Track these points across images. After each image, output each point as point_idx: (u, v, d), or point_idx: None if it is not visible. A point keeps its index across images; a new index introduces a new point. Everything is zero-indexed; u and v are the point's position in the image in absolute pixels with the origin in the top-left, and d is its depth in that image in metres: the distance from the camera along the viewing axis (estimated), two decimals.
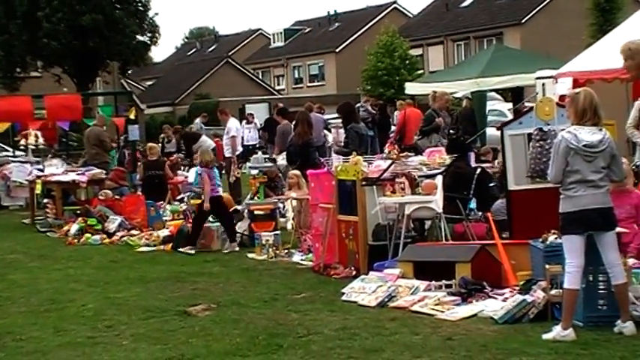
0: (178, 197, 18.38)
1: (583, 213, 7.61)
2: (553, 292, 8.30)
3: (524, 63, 25.43)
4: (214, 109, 28.77)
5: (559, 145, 7.67)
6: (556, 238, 8.85)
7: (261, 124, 34.17)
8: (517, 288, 8.97)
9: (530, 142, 10.86)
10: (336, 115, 25.04)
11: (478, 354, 7.24)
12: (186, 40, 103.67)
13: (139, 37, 49.60)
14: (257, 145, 31.00)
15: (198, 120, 28.67)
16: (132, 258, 13.79)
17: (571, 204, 7.64)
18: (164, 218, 16.30)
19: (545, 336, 7.60)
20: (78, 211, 17.13)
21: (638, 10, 23.24)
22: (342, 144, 17.61)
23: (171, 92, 66.65)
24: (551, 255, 8.67)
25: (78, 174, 18.56)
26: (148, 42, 50.87)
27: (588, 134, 7.57)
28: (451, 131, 18.71)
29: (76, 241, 15.63)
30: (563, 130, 9.40)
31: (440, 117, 18.47)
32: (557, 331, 7.57)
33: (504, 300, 8.74)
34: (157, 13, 48.95)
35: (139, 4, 48.79)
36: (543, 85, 20.40)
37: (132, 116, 23.09)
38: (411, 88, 29.52)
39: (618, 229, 8.40)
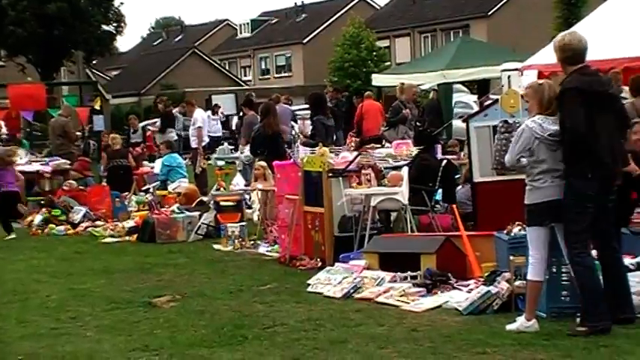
0: (144, 188, 18.30)
1: (550, 204, 7.65)
2: (517, 283, 8.34)
3: (490, 55, 25.55)
4: (181, 100, 28.66)
5: (521, 133, 7.69)
6: (520, 230, 8.91)
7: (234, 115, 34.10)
8: (481, 279, 9.01)
9: (496, 134, 10.92)
10: (303, 106, 25.05)
11: (442, 345, 7.27)
12: (152, 30, 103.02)
13: (104, 27, 49.22)
14: (222, 137, 30.92)
15: (176, 110, 28.50)
16: (96, 249, 13.73)
17: (538, 195, 7.66)
18: (129, 209, 16.23)
19: (508, 327, 7.64)
20: (42, 202, 17.01)
21: (602, 4, 23.37)
22: (309, 135, 17.65)
23: (137, 82, 66.25)
24: (515, 246, 8.73)
25: (42, 164, 18.44)
26: (114, 31, 50.49)
27: (552, 124, 7.62)
28: (417, 123, 18.80)
29: (39, 231, 15.53)
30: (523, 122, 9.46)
31: (407, 109, 18.53)
32: (520, 322, 7.62)
33: (469, 291, 8.77)
34: (122, 3, 48.33)
35: None
36: (509, 77, 20.50)
37: (97, 106, 22.99)
38: (378, 79, 29.59)
39: None
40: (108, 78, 71.81)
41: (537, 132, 7.60)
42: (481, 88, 24.59)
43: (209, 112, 31.83)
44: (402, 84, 20.04)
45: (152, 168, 19.55)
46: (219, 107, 36.43)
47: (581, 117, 7.42)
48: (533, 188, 7.72)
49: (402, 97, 19.00)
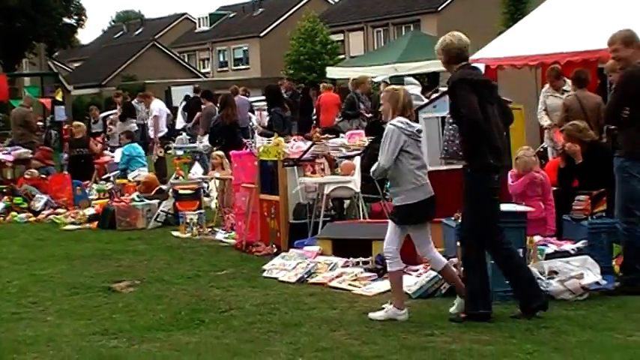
0: (104, 177, 18.17)
1: (431, 199, 7.66)
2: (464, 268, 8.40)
3: None
4: (141, 91, 28.45)
5: (391, 134, 7.53)
6: None
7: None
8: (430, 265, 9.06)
9: (444, 125, 10.96)
10: (260, 98, 24.98)
11: (392, 327, 7.30)
12: (112, 23, 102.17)
13: (66, 19, 48.78)
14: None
15: (135, 101, 28.35)
16: (57, 236, 13.60)
17: (419, 193, 7.58)
18: (90, 197, 16.12)
19: (373, 315, 7.59)
20: (4, 190, 16.83)
21: (546, 1, 23.52)
22: (266, 126, 17.63)
23: (98, 74, 65.77)
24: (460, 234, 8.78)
25: (4, 153, 18.25)
26: (75, 24, 50.09)
27: (413, 124, 7.63)
28: (369, 114, 18.82)
29: (1, 219, 15.37)
30: None
31: (361, 101, 18.55)
32: (392, 311, 7.57)
33: (418, 276, 8.81)
34: None
35: None
36: None
37: (58, 97, 22.69)
38: (332, 72, 29.63)
39: (525, 208, 8.56)
40: (69, 70, 71.13)
41: (407, 129, 7.55)
42: (431, 80, 24.67)
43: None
44: (355, 78, 20.02)
45: (112, 157, 19.41)
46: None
47: (476, 104, 7.36)
48: (417, 186, 7.60)
49: (357, 89, 19.01)
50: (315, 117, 26.80)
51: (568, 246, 8.75)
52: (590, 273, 8.15)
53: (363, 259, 9.44)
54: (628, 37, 8.14)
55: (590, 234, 8.92)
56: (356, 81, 19.39)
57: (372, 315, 7.61)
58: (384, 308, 7.65)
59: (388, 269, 7.74)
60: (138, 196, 14.79)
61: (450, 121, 10.77)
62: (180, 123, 25.16)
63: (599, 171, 9.49)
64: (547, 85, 15.06)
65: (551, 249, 8.71)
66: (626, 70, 8.12)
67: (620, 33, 8.25)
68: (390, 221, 7.80)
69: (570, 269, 8.16)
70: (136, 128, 22.26)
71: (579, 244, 8.75)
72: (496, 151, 7.45)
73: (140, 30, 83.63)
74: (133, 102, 24.94)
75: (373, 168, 7.79)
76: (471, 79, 7.48)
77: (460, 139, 7.52)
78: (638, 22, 18.68)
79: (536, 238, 8.68)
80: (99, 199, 15.84)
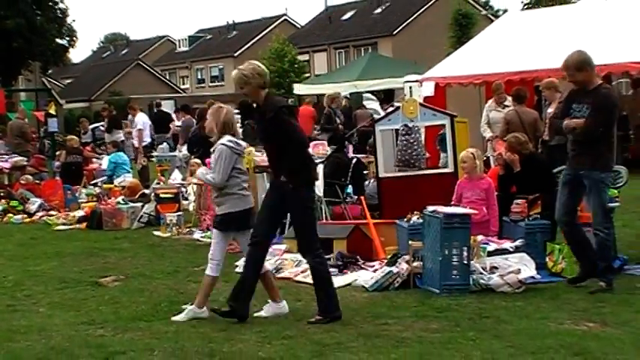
0: (92, 182, 18.04)
1: (251, 210, 7.54)
2: (415, 264, 8.43)
3: (394, 69, 25.80)
4: (126, 105, 28.29)
5: (222, 153, 7.34)
6: (418, 218, 9.01)
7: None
8: (385, 261, 9.08)
9: (398, 136, 11.01)
10: (235, 111, 24.80)
11: (351, 317, 7.29)
12: (101, 44, 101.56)
13: (59, 40, 48.39)
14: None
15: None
16: (50, 235, 13.48)
17: (243, 203, 7.43)
18: (79, 200, 16.00)
19: (174, 318, 7.43)
20: (1, 194, 16.66)
21: (488, 26, 23.72)
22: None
23: (87, 90, 65.27)
24: (414, 233, 8.84)
25: (1, 161, 18.10)
26: (67, 45, 49.68)
27: (241, 142, 7.50)
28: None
29: None
30: (421, 126, 9.55)
31: (337, 116, 18.49)
32: (192, 312, 7.45)
33: (374, 271, 8.85)
34: (74, 20, 47.74)
35: (59, 11, 47.65)
36: (410, 88, 20.76)
37: (51, 111, 22.50)
38: (299, 88, 29.71)
39: (469, 210, 8.59)
40: (62, 86, 70.52)
41: (236, 148, 7.40)
42: (387, 96, 24.76)
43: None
44: (331, 94, 19.92)
45: (100, 164, 19.30)
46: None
47: (299, 128, 7.33)
48: (239, 196, 7.41)
49: (331, 104, 18.94)
50: None
51: (507, 244, 8.81)
52: (527, 268, 8.20)
53: (326, 256, 9.40)
54: (579, 62, 8.07)
55: (527, 234, 9.00)
56: (331, 97, 19.36)
57: (174, 318, 7.40)
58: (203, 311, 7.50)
59: (206, 272, 7.53)
60: (123, 199, 14.70)
61: (403, 133, 10.89)
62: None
63: (535, 178, 9.58)
64: (490, 101, 15.16)
65: (492, 247, 8.76)
66: (605, 95, 8.06)
67: (572, 58, 8.13)
68: (214, 230, 7.58)
69: (509, 265, 8.21)
70: (122, 138, 22.10)
71: (517, 243, 8.81)
72: (312, 168, 7.46)
73: (126, 50, 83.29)
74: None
75: (210, 181, 7.51)
76: (288, 106, 7.41)
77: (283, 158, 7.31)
78: (570, 46, 18.86)
79: (479, 238, 8.72)
80: (88, 202, 15.75)
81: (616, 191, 9.28)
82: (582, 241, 8.27)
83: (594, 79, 8.12)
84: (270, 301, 7.60)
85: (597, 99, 7.96)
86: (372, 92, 28.23)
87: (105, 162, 18.59)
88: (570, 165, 8.25)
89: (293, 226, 7.64)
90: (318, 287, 7.39)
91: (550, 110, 14.73)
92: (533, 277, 8.17)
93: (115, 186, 16.29)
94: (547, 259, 8.77)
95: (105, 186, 16.61)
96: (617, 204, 9.20)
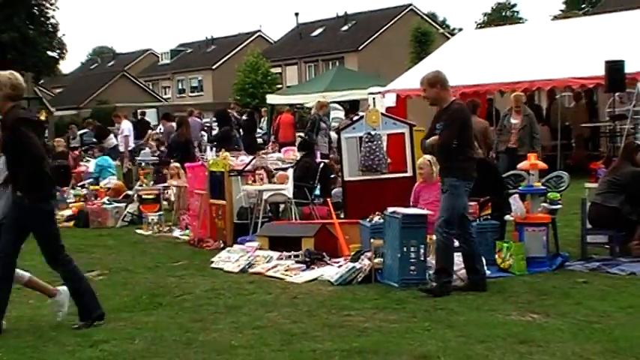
0: (80, 183, 17.89)
1: None
2: (376, 260, 8.43)
3: (359, 81, 25.84)
4: (112, 113, 28.11)
5: None
6: (379, 219, 9.02)
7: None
8: (349, 257, 9.07)
9: (361, 143, 11.01)
10: (212, 119, 24.84)
11: (317, 309, 7.29)
12: (89, 56, 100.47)
13: (50, 53, 48.04)
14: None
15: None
16: None
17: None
18: (68, 201, 15.86)
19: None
20: None
21: (445, 43, 23.83)
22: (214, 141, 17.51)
23: (76, 98, 64.66)
24: (375, 231, 8.83)
25: None
26: (57, 57, 49.30)
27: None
28: (301, 134, 18.82)
29: None
30: (383, 134, 9.55)
31: (322, 121, 18.39)
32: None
33: (339, 267, 8.82)
34: (64, 34, 47.45)
35: (50, 26, 47.38)
36: (374, 99, 20.82)
37: (42, 117, 22.29)
38: (272, 99, 29.62)
39: (425, 211, 8.61)
40: (52, 94, 69.75)
41: None
42: (352, 106, 24.81)
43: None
44: (319, 101, 19.79)
45: (87, 167, 19.15)
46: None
47: (36, 143, 6.59)
48: None
49: (319, 111, 18.86)
50: (261, 135, 26.79)
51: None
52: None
53: (294, 253, 9.40)
54: (432, 79, 8.07)
55: (478, 233, 9.00)
56: (320, 104, 19.25)
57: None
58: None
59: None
60: (108, 200, 14.63)
61: (366, 140, 10.89)
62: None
63: (486, 182, 9.60)
64: None
65: None
66: (455, 110, 7.99)
67: (427, 75, 8.14)
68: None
69: (462, 261, 8.23)
70: (115, 143, 21.91)
71: None
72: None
73: (112, 62, 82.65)
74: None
75: None
76: (28, 118, 6.80)
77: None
78: (518, 62, 19.09)
79: (434, 237, 8.72)
80: (75, 202, 15.59)
81: (558, 195, 9.36)
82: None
83: (447, 97, 8.03)
84: (49, 299, 7.26)
85: (448, 114, 7.90)
86: (338, 102, 28.28)
87: (92, 165, 18.45)
88: (441, 180, 8.21)
89: (36, 241, 6.98)
90: (76, 293, 7.00)
91: (514, 121, 14.87)
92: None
93: (101, 187, 16.16)
94: (496, 256, 8.81)
95: (91, 187, 16.47)
96: (559, 206, 9.28)
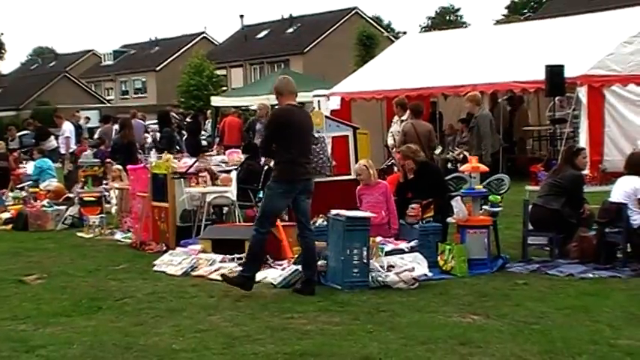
0: (19, 186, 17.56)
1: None
2: (320, 262, 8.43)
3: (305, 84, 25.83)
4: (53, 114, 27.67)
5: None
6: (323, 221, 9.05)
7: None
8: (292, 260, 9.07)
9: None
10: (154, 121, 24.68)
11: (259, 312, 7.27)
12: (29, 56, 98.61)
13: None
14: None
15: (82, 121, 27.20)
16: None
17: None
18: (6, 203, 15.56)
19: None
20: None
21: (390, 46, 24.01)
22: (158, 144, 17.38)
23: (16, 99, 63.47)
24: (319, 234, 8.83)
25: None
26: None
27: None
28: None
29: None
30: (327, 137, 9.58)
31: (260, 123, 18.32)
32: None
33: (282, 269, 8.82)
34: (2, 33, 46.50)
35: None
36: (319, 101, 20.85)
37: None
38: (216, 101, 29.51)
39: (368, 214, 8.66)
40: None
41: None
42: None
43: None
44: (260, 104, 19.76)
45: (26, 169, 18.82)
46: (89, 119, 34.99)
47: None
48: None
49: (261, 113, 18.72)
50: (206, 137, 26.63)
51: (403, 245, 8.90)
52: (420, 266, 8.32)
53: (238, 256, 9.37)
54: (276, 86, 8.44)
55: (421, 235, 9.11)
56: (262, 106, 19.15)
57: None
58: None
59: None
60: (48, 202, 14.39)
61: (315, 142, 10.91)
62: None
63: (429, 185, 9.72)
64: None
65: (389, 247, 8.83)
66: (271, 113, 8.35)
67: (275, 82, 8.60)
68: None
69: (404, 263, 8.30)
70: (55, 145, 21.57)
71: (412, 244, 8.90)
72: None
73: (53, 63, 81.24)
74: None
75: None
76: None
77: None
78: (462, 66, 19.31)
79: (378, 239, 8.80)
80: (14, 204, 15.31)
81: (499, 197, 9.49)
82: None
83: (281, 103, 8.36)
84: None
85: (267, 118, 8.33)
86: None
87: (30, 167, 18.15)
88: None
89: None
90: None
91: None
92: (425, 275, 8.28)
93: (41, 190, 15.92)
94: (438, 258, 8.90)
95: (31, 190, 16.20)
96: (500, 209, 9.41)
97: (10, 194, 16.45)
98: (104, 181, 15.74)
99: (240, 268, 8.37)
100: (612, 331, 6.34)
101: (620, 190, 9.13)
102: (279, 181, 8.11)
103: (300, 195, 8.18)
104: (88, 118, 27.44)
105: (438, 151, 15.21)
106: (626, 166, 9.43)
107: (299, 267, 8.49)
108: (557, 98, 17.42)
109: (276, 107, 8.42)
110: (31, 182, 17.05)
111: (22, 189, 16.91)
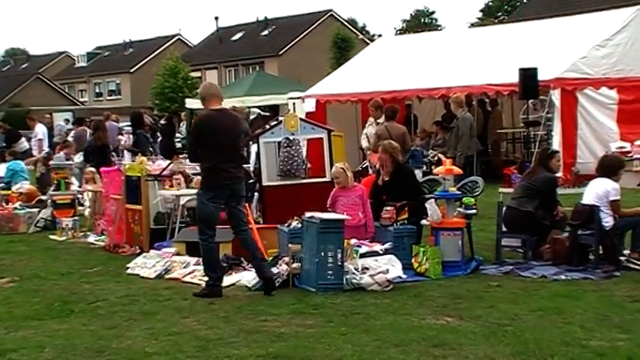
0: None
1: None
2: (294, 265, 8.45)
3: (279, 86, 25.91)
4: (25, 116, 27.45)
5: None
6: (298, 224, 9.04)
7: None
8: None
9: (280, 148, 11.02)
10: (128, 123, 24.52)
11: (234, 314, 7.26)
12: (2, 58, 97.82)
13: None
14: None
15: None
16: None
17: None
18: None
19: None
20: None
21: (364, 49, 24.06)
22: (132, 146, 17.30)
23: None
24: (293, 236, 8.85)
25: None
26: None
27: None
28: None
29: None
30: (302, 139, 9.60)
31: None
32: None
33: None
34: None
35: None
36: (294, 104, 20.87)
37: None
38: (191, 103, 29.37)
39: (343, 216, 8.66)
40: None
41: None
42: (272, 111, 24.82)
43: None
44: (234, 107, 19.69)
45: None
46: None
47: None
48: None
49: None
50: (180, 139, 26.49)
51: (377, 247, 8.89)
52: (394, 269, 8.32)
53: None
54: (200, 92, 8.56)
55: (395, 237, 9.14)
56: (243, 111, 19.07)
57: None
58: None
59: None
60: (20, 205, 14.27)
61: (285, 145, 10.91)
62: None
63: (403, 187, 9.74)
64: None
65: (364, 249, 8.82)
66: (194, 119, 8.36)
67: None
68: None
69: (379, 266, 8.31)
70: (27, 147, 21.38)
71: (386, 246, 8.90)
72: None
73: (26, 64, 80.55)
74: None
75: None
76: None
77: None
78: (436, 68, 19.39)
79: (353, 241, 8.80)
80: None
81: (473, 200, 9.54)
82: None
83: (206, 108, 8.39)
84: None
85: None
86: (259, 107, 28.25)
87: (2, 169, 17.98)
88: None
89: None
90: None
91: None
92: (400, 277, 8.29)
93: (13, 192, 15.76)
94: (413, 261, 8.93)
95: (3, 192, 16.04)
96: (474, 211, 9.46)
97: None
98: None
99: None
100: (584, 333, 6.39)
101: (593, 193, 9.21)
102: (204, 188, 8.19)
103: (230, 201, 8.17)
104: (67, 120, 27.23)
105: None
106: (598, 168, 9.52)
107: (273, 269, 8.46)
108: (530, 101, 17.58)
109: (200, 113, 8.37)
110: (2, 185, 16.88)
111: None
